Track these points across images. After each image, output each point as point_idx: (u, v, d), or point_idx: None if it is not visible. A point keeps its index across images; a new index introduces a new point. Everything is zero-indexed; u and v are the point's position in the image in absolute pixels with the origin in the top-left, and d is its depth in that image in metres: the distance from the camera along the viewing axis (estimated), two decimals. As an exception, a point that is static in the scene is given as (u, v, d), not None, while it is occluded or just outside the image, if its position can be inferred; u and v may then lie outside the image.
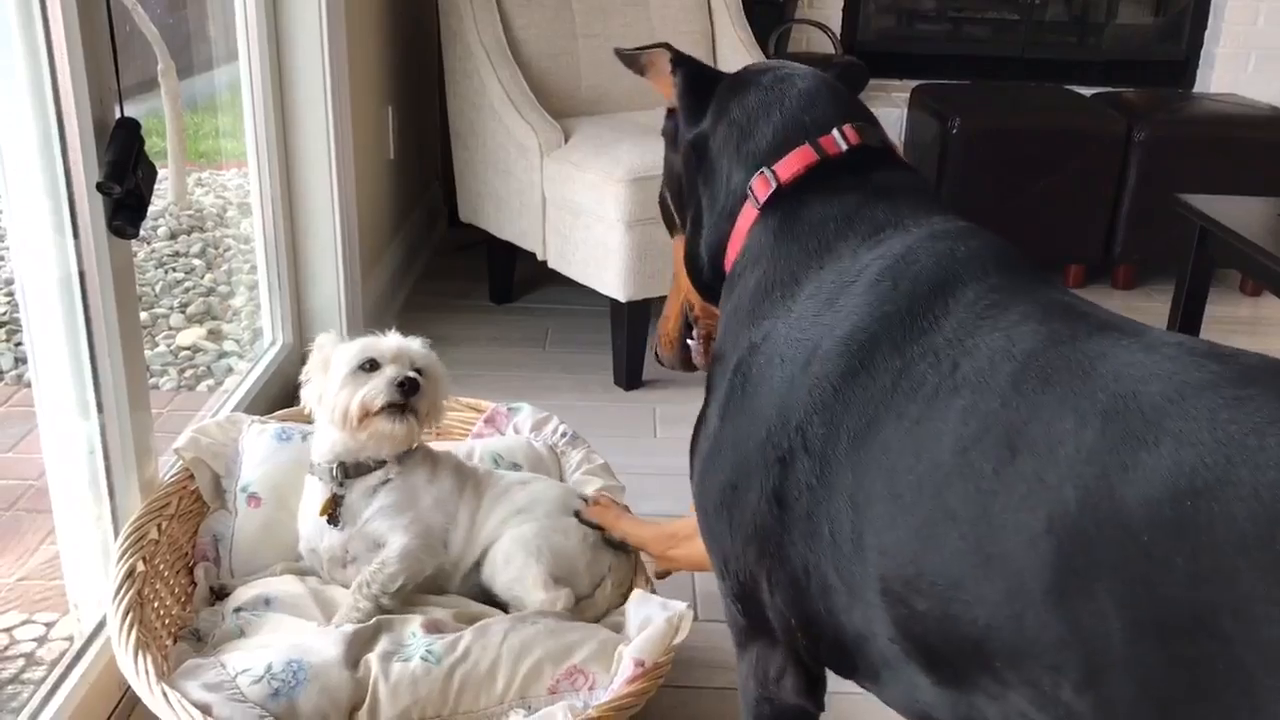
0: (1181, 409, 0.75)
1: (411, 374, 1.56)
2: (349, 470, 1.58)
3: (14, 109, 1.32)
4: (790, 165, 1.08)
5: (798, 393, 0.96)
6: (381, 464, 1.59)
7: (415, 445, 1.62)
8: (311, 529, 1.60)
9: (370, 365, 1.57)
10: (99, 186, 1.35)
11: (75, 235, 1.37)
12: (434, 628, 1.44)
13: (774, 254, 1.06)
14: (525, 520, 1.60)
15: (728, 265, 1.13)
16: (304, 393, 1.63)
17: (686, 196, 1.22)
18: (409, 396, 1.54)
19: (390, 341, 1.60)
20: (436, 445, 1.73)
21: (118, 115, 1.41)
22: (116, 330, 1.45)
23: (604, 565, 1.63)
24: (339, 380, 1.56)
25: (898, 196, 1.05)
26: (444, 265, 3.44)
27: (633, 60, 1.23)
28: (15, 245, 1.39)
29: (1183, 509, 0.71)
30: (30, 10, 1.28)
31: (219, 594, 1.59)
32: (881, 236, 1.01)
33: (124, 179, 1.35)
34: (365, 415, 1.53)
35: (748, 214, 1.10)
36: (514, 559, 1.56)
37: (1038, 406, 0.82)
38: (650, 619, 1.42)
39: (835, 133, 1.09)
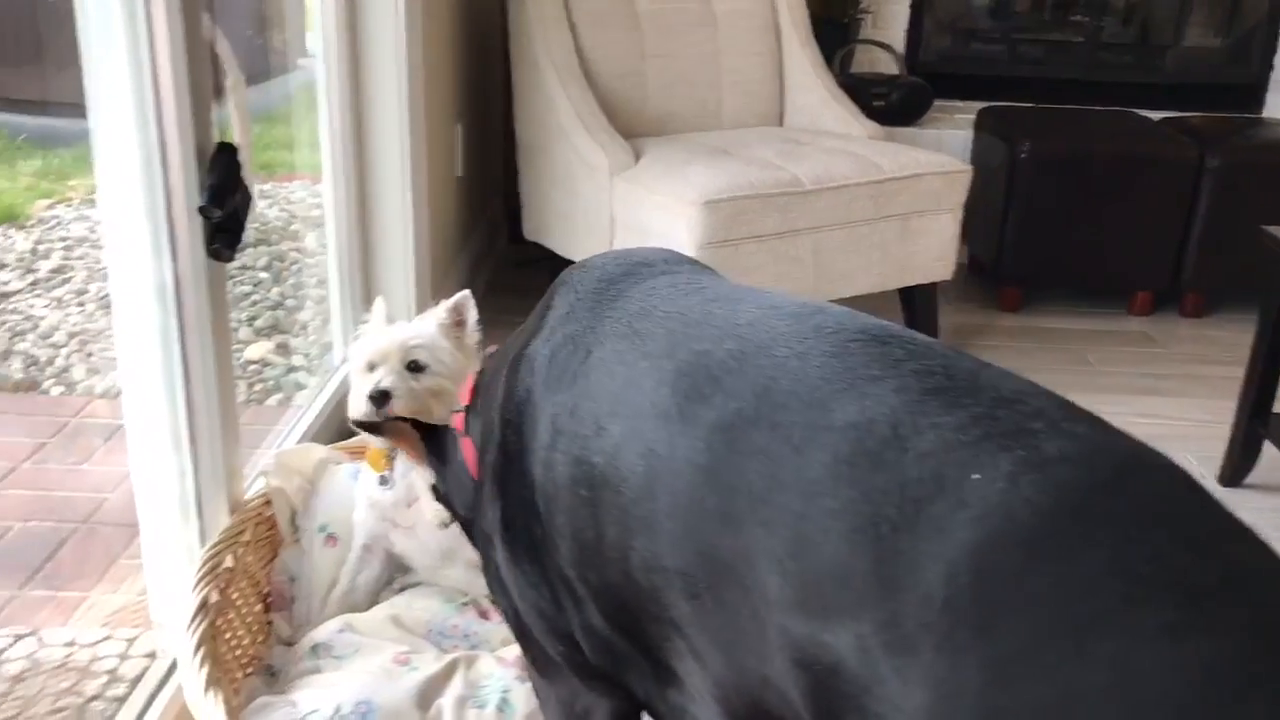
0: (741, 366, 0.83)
1: (384, 385, 1.49)
2: None
3: (119, 134, 1.33)
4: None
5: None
6: None
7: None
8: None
9: (371, 366, 1.53)
10: (201, 210, 1.35)
11: (174, 258, 1.38)
12: (516, 662, 1.41)
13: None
14: None
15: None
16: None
17: None
18: (380, 407, 1.49)
19: (385, 338, 1.53)
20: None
21: (217, 140, 1.42)
22: (211, 350, 1.45)
23: None
24: (352, 382, 1.55)
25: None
26: (506, 282, 3.44)
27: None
28: (113, 265, 1.40)
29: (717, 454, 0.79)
30: (137, 42, 1.29)
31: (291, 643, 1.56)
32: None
33: (224, 203, 1.36)
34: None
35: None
36: None
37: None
38: None
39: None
